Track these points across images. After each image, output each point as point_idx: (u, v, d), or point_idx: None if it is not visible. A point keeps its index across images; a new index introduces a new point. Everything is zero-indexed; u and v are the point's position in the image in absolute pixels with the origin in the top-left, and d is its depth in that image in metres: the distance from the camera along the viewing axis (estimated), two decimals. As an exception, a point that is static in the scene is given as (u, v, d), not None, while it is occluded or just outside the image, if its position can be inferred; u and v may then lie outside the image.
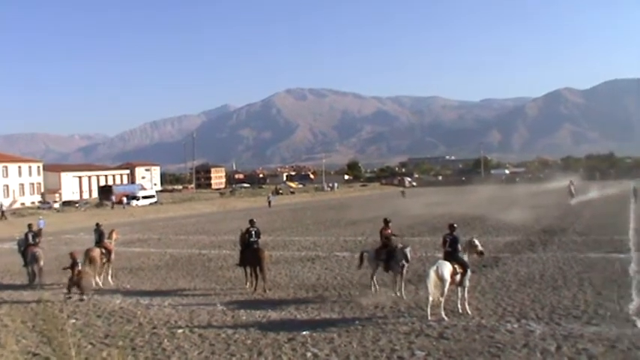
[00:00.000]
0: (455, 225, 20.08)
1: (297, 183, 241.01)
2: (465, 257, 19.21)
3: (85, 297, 22.85)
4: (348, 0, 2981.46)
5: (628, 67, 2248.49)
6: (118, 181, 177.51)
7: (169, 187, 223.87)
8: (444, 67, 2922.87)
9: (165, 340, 16.80)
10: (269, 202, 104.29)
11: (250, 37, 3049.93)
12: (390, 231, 22.67)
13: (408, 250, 21.43)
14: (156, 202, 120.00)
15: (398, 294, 21.15)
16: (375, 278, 22.34)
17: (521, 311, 18.68)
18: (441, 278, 17.92)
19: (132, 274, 29.76)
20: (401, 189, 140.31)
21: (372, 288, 22.14)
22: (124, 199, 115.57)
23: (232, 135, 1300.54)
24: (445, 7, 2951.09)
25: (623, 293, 20.64)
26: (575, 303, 19.49)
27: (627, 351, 14.37)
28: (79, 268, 23.04)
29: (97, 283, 25.86)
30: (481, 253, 19.86)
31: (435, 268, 18.16)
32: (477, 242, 19.75)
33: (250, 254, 23.94)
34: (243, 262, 24.53)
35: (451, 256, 18.93)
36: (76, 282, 22.84)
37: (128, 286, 26.14)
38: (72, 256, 23.22)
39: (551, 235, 39.15)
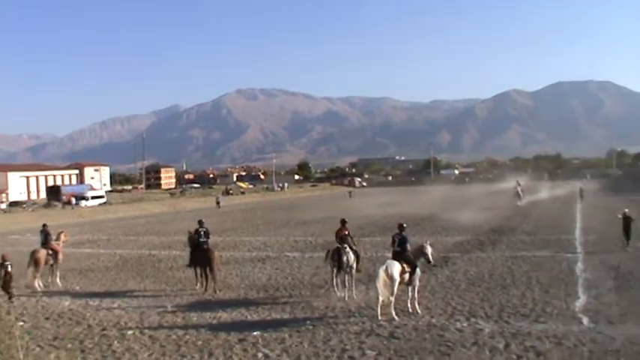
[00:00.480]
0: (404, 225, 20.20)
1: (247, 183, 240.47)
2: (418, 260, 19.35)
3: (13, 300, 22.39)
4: (299, 1, 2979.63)
5: (573, 69, 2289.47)
6: (66, 182, 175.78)
7: (119, 188, 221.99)
8: (394, 69, 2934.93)
9: (115, 342, 16.63)
10: (218, 203, 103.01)
11: (201, 36, 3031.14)
12: (346, 232, 22.57)
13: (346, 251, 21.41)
14: (105, 203, 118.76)
15: (349, 294, 21.17)
16: (336, 280, 22.08)
17: (470, 310, 18.85)
18: (390, 278, 17.94)
19: (81, 275, 29.38)
20: (348, 189, 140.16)
21: (333, 290, 21.90)
22: (73, 200, 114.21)
23: (182, 135, 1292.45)
24: (395, 7, 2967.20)
25: (569, 291, 20.99)
26: (524, 301, 19.73)
27: (574, 348, 14.56)
28: (8, 270, 22.43)
29: (40, 285, 25.52)
30: (428, 262, 19.85)
31: (384, 267, 18.20)
32: (429, 249, 19.58)
33: (200, 255, 23.78)
34: (193, 263, 24.35)
35: (400, 255, 19.00)
36: (2, 285, 22.32)
37: (77, 288, 25.81)
38: (2, 257, 22.67)
39: (500, 234, 39.59)
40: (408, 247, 19.34)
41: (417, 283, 19.05)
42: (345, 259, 20.83)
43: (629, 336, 15.29)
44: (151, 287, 25.20)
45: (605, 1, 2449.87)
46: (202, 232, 24.23)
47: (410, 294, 18.99)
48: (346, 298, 20.82)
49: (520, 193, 71.36)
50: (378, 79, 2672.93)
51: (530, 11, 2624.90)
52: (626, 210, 30.73)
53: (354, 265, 21.15)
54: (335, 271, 21.39)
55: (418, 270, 19.05)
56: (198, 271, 24.23)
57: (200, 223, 24.67)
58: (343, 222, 22.81)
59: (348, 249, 21.20)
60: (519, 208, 65.06)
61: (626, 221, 31.00)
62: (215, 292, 23.06)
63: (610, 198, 78.58)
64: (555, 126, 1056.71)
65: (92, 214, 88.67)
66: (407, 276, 18.55)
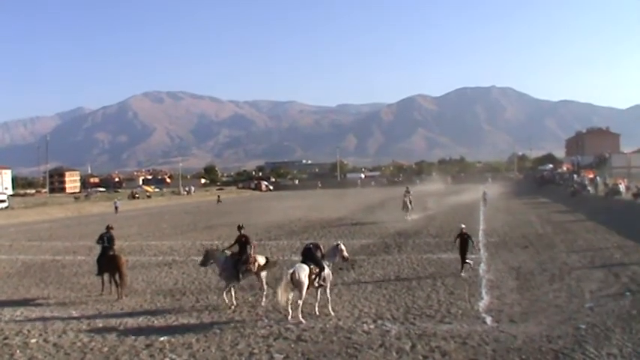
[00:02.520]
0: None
1: (153, 187, 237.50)
2: (330, 259, 19.60)
3: None
4: (206, 3, 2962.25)
5: (476, 76, 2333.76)
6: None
7: (21, 192, 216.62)
8: (301, 73, 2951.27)
9: (18, 351, 16.24)
10: (115, 208, 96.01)
11: (106, 38, 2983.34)
12: (244, 238, 22.20)
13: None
14: (7, 207, 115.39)
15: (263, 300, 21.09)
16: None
17: (377, 312, 19.03)
18: (297, 281, 18.02)
19: (-19, 282, 28.47)
20: (217, 195, 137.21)
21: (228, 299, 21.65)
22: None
23: (88, 138, 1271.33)
24: (304, 13, 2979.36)
25: (473, 292, 21.49)
26: (429, 303, 20.04)
27: (477, 347, 14.89)
28: None
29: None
30: (346, 259, 20.27)
31: (291, 271, 18.24)
32: (342, 247, 20.09)
33: (107, 261, 23.38)
34: (100, 270, 23.84)
35: (309, 256, 19.04)
36: None
37: (-24, 296, 24.95)
38: None
39: (406, 237, 39.92)
40: (322, 249, 19.46)
41: (328, 284, 19.21)
42: (240, 267, 20.63)
43: (529, 334, 15.74)
44: (55, 294, 24.63)
45: (507, 10, 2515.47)
46: (106, 238, 23.85)
47: (320, 296, 19.15)
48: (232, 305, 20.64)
49: (409, 203, 54.99)
50: (285, 83, 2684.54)
51: (435, 18, 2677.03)
52: (463, 226, 27.18)
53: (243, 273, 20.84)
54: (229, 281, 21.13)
55: (327, 270, 19.13)
56: (106, 278, 23.77)
57: (108, 227, 24.45)
58: (239, 228, 22.44)
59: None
60: (409, 222, 51.67)
61: (463, 241, 26.02)
62: (121, 297, 22.65)
63: (511, 201, 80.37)
64: (459, 130, 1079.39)
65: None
66: (314, 277, 18.59)
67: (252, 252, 21.19)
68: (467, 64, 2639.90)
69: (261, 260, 21.42)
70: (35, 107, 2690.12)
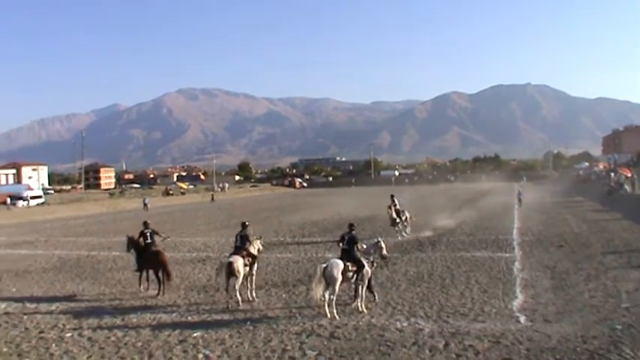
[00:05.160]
0: (354, 224, 20.45)
1: (187, 183, 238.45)
2: (367, 257, 19.61)
3: None
4: (239, 1, 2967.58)
5: (511, 73, 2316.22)
6: (3, 181, 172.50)
7: (57, 188, 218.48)
8: (336, 70, 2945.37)
9: (53, 345, 16.41)
10: (145, 205, 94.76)
11: (141, 35, 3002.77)
12: (247, 234, 22.16)
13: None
14: (43, 203, 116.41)
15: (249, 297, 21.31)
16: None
17: (410, 310, 19.00)
18: (328, 277, 18.07)
19: (18, 277, 28.76)
20: (211, 193, 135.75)
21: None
22: (8, 200, 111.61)
23: (122, 134, 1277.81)
24: (337, 10, 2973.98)
25: (507, 291, 21.33)
26: (463, 301, 19.95)
27: (511, 346, 14.80)
28: None
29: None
30: (385, 257, 20.33)
31: (323, 266, 18.30)
32: (383, 244, 20.27)
33: (150, 257, 23.29)
34: (142, 267, 23.73)
35: (347, 254, 19.09)
36: None
37: (14, 290, 25.23)
38: None
39: (440, 235, 39.79)
40: (360, 246, 19.61)
41: (365, 282, 19.18)
42: (235, 268, 20.53)
43: (564, 334, 15.60)
44: (89, 289, 24.83)
45: (543, 6, 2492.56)
46: (148, 234, 23.89)
47: (359, 292, 19.14)
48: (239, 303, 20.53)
49: (396, 217, 40.61)
50: (319, 80, 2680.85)
51: (470, 15, 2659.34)
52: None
53: (241, 271, 20.72)
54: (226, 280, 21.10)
55: (367, 268, 19.14)
56: (144, 274, 23.79)
57: (145, 224, 24.42)
58: (243, 225, 22.50)
59: (237, 259, 20.85)
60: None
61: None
62: (164, 293, 22.68)
63: (546, 199, 79.66)
64: (494, 128, 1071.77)
65: (29, 215, 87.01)
66: (350, 274, 18.62)
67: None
68: (502, 61, 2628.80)
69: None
70: (71, 104, 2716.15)
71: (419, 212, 54.53)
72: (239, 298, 20.39)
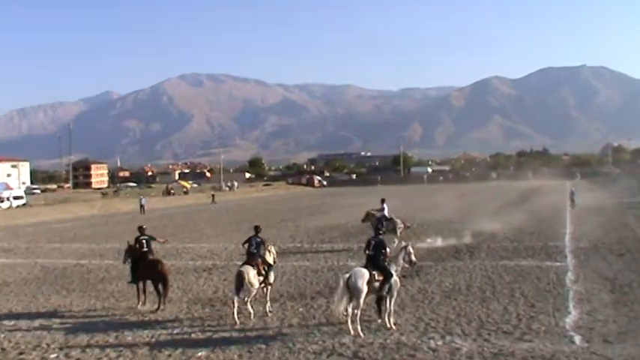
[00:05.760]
0: (381, 228, 20.39)
1: (191, 182, 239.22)
2: (395, 265, 19.43)
3: None
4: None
5: (562, 54, 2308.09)
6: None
7: (41, 187, 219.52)
8: (359, 52, 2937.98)
9: (35, 367, 16.42)
10: (141, 207, 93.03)
11: (137, 13, 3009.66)
12: (259, 239, 22.13)
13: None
14: (24, 204, 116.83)
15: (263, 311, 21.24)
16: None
17: (445, 326, 18.88)
18: (352, 288, 17.96)
19: (-6, 289, 28.84)
20: (211, 193, 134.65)
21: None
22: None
23: (116, 126, 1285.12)
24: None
25: (558, 305, 21.12)
26: (506, 317, 19.81)
27: (564, 370, 14.67)
28: None
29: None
30: (413, 263, 20.16)
31: (346, 276, 18.20)
32: (411, 249, 20.07)
33: (149, 267, 23.00)
34: (138, 278, 23.49)
35: (373, 261, 19.00)
36: None
37: (-11, 305, 25.21)
38: None
39: (479, 241, 39.65)
40: (388, 252, 19.42)
41: (394, 294, 19.05)
42: (246, 280, 20.57)
43: (627, 357, 15.43)
44: (78, 302, 24.84)
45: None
46: (145, 241, 23.70)
47: (386, 306, 18.99)
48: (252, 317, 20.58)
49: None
50: (340, 65, 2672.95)
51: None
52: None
53: (254, 283, 20.81)
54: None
55: (395, 278, 19.02)
56: (141, 286, 23.56)
57: (141, 229, 24.25)
58: (257, 229, 22.49)
59: (248, 269, 20.88)
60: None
61: None
62: (163, 307, 22.61)
63: (605, 200, 79.19)
64: (542, 118, 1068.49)
65: (8, 218, 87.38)
66: (376, 285, 18.51)
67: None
68: (552, 41, 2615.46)
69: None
70: (56, 92, 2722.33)
71: (455, 214, 54.40)
72: (251, 312, 20.46)
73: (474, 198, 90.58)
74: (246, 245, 21.73)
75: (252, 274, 20.37)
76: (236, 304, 20.16)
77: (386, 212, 40.00)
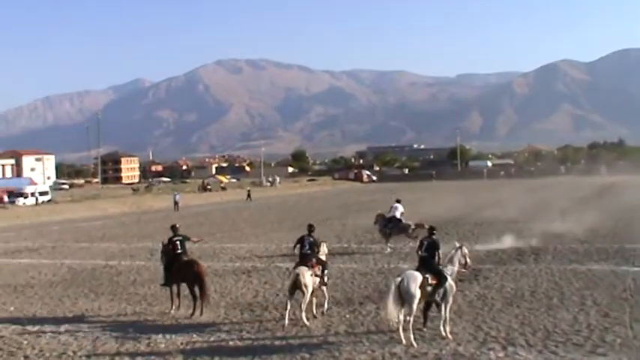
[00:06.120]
0: (435, 228, 20.15)
1: (229, 177, 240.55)
2: (450, 268, 19.28)
3: None
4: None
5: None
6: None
7: (68, 182, 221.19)
8: (412, 36, 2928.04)
9: (60, 376, 16.51)
10: (175, 204, 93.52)
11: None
12: (311, 239, 22.20)
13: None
14: (50, 201, 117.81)
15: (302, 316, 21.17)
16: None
17: (507, 336, 18.71)
18: (404, 293, 17.86)
19: (17, 293, 29.04)
20: (247, 189, 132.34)
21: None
22: (6, 197, 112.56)
23: (148, 117, 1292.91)
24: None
25: (636, 315, 20.71)
26: (576, 327, 19.53)
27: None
28: None
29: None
30: (467, 266, 20.02)
31: (398, 280, 18.11)
32: (466, 250, 19.94)
33: (183, 269, 22.87)
34: (171, 281, 23.43)
35: (426, 263, 18.92)
36: None
37: (12, 309, 25.40)
38: None
39: (545, 241, 39.29)
40: (441, 254, 19.30)
41: (449, 299, 18.89)
42: (302, 282, 20.59)
43: None
44: (107, 306, 24.99)
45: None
46: (179, 242, 23.54)
47: (442, 313, 18.88)
48: (306, 322, 20.62)
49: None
50: (392, 49, 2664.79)
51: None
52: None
53: (309, 285, 20.81)
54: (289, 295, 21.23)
55: (450, 282, 18.83)
56: (175, 289, 23.53)
57: (174, 229, 24.12)
58: (310, 228, 22.66)
59: (304, 271, 20.92)
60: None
61: None
62: (201, 312, 22.52)
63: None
64: (618, 106, 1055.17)
65: (33, 215, 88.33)
66: (429, 289, 18.40)
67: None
68: (630, 19, 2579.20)
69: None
70: (84, 79, 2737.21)
71: (519, 212, 54.04)
72: (305, 319, 20.48)
73: (540, 195, 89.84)
74: (298, 246, 21.84)
75: (307, 276, 20.51)
76: (289, 307, 20.32)
77: (397, 214, 39.56)
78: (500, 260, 32.71)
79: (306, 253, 21.34)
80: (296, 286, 20.31)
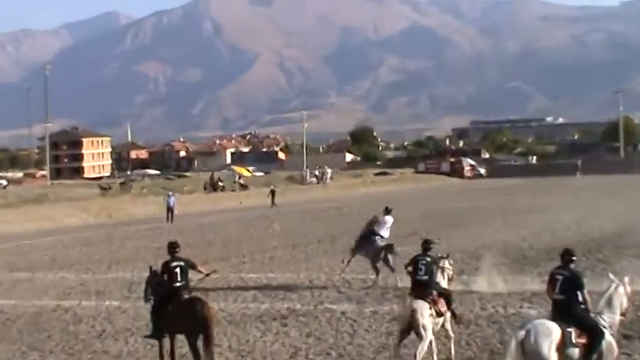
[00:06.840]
0: (572, 250, 19.38)
1: (252, 169, 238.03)
2: (609, 317, 18.43)
3: None
4: None
5: None
6: None
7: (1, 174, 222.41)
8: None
9: None
10: (169, 210, 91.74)
11: None
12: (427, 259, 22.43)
13: None
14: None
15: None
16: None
17: None
18: (531, 354, 17.32)
19: None
20: (271, 187, 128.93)
21: None
22: None
23: (125, 74, 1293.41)
24: None
25: None
26: None
27: None
28: None
29: None
30: (625, 313, 19.52)
31: (522, 333, 17.82)
32: (628, 288, 18.92)
33: (182, 312, 22.03)
34: (162, 330, 22.82)
35: (564, 308, 18.59)
36: None
37: None
38: None
39: None
40: (583, 295, 18.81)
41: (594, 356, 18.39)
42: (419, 323, 20.50)
43: None
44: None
45: None
46: (178, 270, 22.57)
47: None
48: None
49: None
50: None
51: None
52: None
53: (428, 327, 20.78)
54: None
55: (609, 340, 17.98)
56: (167, 345, 22.99)
57: (172, 248, 23.08)
58: (426, 244, 22.65)
59: (422, 306, 20.87)
60: None
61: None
62: None
63: None
64: None
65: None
66: (576, 350, 18.10)
67: None
68: None
69: None
70: (23, 12, 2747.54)
71: None
72: None
73: None
74: (410, 268, 22.04)
75: (426, 315, 20.52)
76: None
77: (382, 230, 40.23)
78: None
79: (421, 280, 21.47)
80: (411, 327, 20.32)
